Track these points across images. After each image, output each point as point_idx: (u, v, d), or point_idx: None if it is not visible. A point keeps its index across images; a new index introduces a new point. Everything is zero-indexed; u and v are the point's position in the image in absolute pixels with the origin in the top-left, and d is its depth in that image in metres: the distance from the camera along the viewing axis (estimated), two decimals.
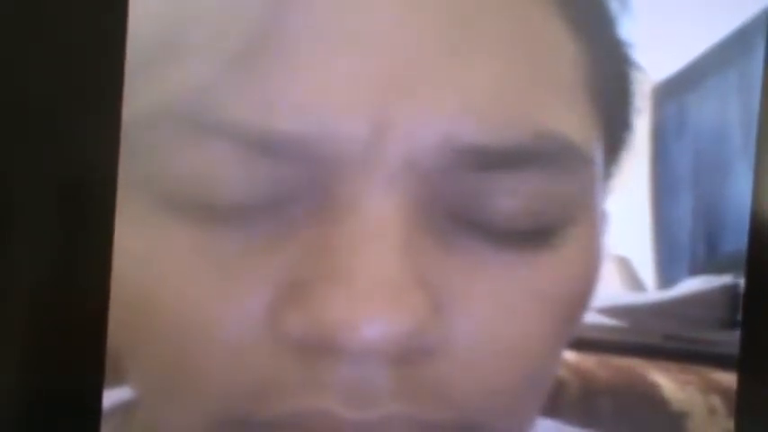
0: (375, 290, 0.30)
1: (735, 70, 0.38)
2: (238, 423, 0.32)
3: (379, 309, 0.30)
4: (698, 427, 0.38)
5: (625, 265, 0.37)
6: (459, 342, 0.32)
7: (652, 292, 0.38)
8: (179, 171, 0.31)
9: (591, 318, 0.35)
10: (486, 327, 0.32)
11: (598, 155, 0.34)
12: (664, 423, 0.37)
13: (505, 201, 0.32)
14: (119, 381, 0.32)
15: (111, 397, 0.32)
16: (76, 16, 0.32)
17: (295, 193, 0.31)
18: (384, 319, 0.30)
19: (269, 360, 0.31)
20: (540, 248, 0.33)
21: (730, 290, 0.38)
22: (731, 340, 0.38)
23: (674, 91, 0.37)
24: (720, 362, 0.38)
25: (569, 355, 0.36)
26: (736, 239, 0.38)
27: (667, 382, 0.37)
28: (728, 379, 0.38)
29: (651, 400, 0.37)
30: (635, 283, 0.37)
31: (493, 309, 0.33)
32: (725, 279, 0.38)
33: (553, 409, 0.36)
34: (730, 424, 0.38)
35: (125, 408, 0.32)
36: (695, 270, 0.38)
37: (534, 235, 0.33)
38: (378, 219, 0.31)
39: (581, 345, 0.36)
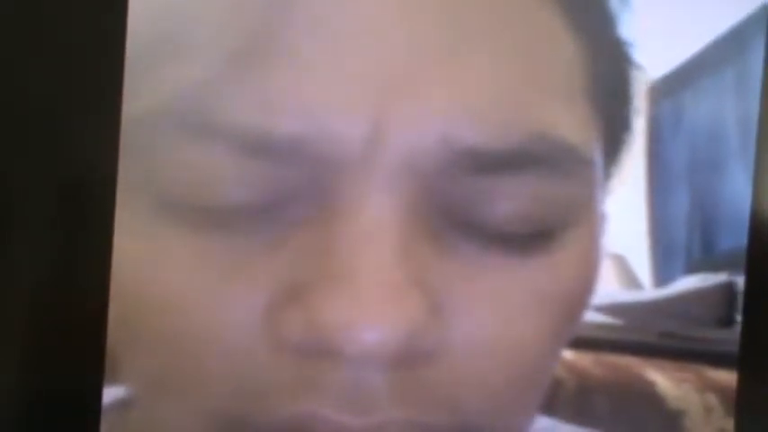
0: (373, 292, 0.30)
1: (731, 68, 0.38)
2: (236, 426, 0.32)
3: (377, 311, 0.30)
4: (694, 426, 0.38)
5: (621, 263, 0.37)
6: (457, 345, 0.32)
7: (648, 290, 0.38)
8: (177, 172, 0.31)
9: (587, 315, 0.35)
10: (485, 329, 0.32)
11: (597, 156, 0.34)
12: (660, 421, 0.37)
13: (504, 203, 0.32)
14: (115, 379, 0.32)
15: (108, 395, 0.32)
16: (76, 16, 0.32)
17: (293, 195, 0.31)
18: (382, 321, 0.30)
19: (267, 363, 0.31)
20: (539, 250, 0.33)
21: (726, 288, 0.38)
22: (728, 338, 0.38)
23: (670, 89, 0.37)
24: (717, 360, 0.38)
25: (565, 353, 0.36)
26: (733, 237, 0.39)
27: (663, 380, 0.37)
28: (725, 377, 0.38)
29: (647, 398, 0.37)
30: (631, 280, 0.37)
31: (491, 311, 0.33)
32: (721, 277, 0.38)
33: (549, 406, 0.36)
34: (726, 422, 0.38)
35: (121, 406, 0.32)
36: (691, 268, 0.38)
37: (533, 237, 0.33)
38: (376, 220, 0.31)
39: (577, 342, 0.36)
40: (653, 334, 0.38)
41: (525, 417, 0.35)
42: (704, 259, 0.38)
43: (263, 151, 0.30)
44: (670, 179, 0.38)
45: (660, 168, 0.38)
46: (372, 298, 0.30)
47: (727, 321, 0.38)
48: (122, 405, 0.32)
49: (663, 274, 0.38)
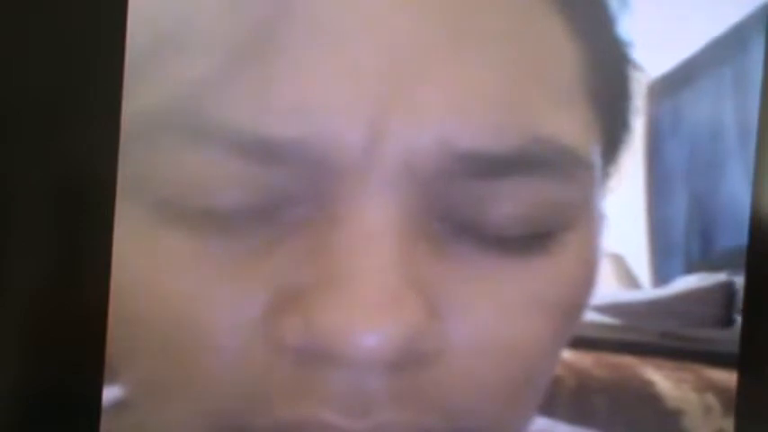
0: (372, 295, 0.30)
1: (730, 68, 0.38)
2: (234, 430, 0.32)
3: (375, 315, 0.30)
4: (693, 425, 0.38)
5: (620, 263, 0.37)
6: (456, 348, 0.32)
7: (647, 290, 0.38)
8: (176, 173, 0.31)
9: (586, 315, 0.35)
10: (484, 332, 0.32)
11: (596, 158, 0.34)
12: (659, 421, 0.38)
13: (503, 206, 0.32)
14: (113, 380, 0.32)
15: (106, 395, 0.32)
16: (76, 16, 0.32)
17: (291, 198, 0.31)
18: (381, 325, 0.30)
19: (265, 366, 0.31)
20: (538, 253, 0.33)
21: (725, 287, 0.38)
22: (727, 338, 0.38)
23: (669, 88, 0.37)
24: (716, 359, 0.38)
25: (564, 353, 0.36)
26: (732, 237, 0.39)
27: (662, 379, 0.38)
28: (724, 377, 0.38)
29: (646, 397, 0.37)
30: (630, 280, 0.37)
31: (490, 314, 0.33)
32: (720, 276, 0.38)
33: (548, 406, 0.36)
34: (725, 422, 0.38)
35: (118, 407, 0.32)
36: (690, 267, 0.38)
37: (532, 240, 0.33)
38: (374, 223, 0.31)
39: (576, 342, 0.36)
40: (652, 334, 0.38)
41: (523, 418, 0.35)
42: (703, 259, 0.38)
43: (262, 154, 0.30)
44: (669, 179, 0.38)
45: (659, 168, 0.38)
46: (371, 301, 0.30)
47: (727, 321, 0.38)
48: (119, 406, 0.32)
49: (662, 273, 0.38)
